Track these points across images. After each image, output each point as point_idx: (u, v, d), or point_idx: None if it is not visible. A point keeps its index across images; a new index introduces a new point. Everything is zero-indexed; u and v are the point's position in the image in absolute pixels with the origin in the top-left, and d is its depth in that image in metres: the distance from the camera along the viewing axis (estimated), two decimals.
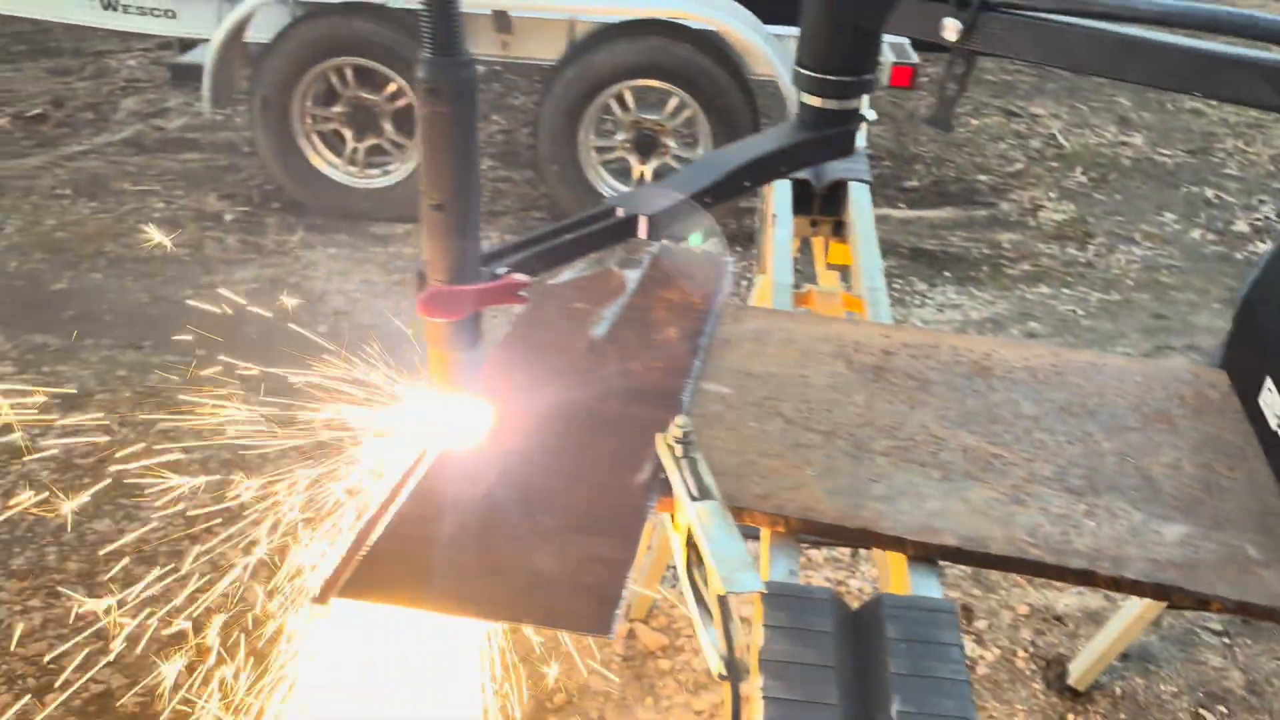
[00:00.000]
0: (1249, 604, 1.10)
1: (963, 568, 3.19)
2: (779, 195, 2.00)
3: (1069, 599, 3.10)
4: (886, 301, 1.70)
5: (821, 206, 2.05)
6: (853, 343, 1.52)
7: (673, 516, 1.19)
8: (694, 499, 1.13)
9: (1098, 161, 6.33)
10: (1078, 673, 2.77)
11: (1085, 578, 1.13)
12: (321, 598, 1.08)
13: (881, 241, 5.50)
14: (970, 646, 2.91)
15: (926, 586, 1.13)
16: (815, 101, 1.46)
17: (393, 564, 1.10)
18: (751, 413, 1.37)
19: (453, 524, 1.16)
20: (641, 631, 2.82)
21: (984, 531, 1.17)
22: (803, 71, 1.44)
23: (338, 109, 4.66)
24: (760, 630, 1.06)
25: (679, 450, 1.19)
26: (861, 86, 1.46)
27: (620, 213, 1.42)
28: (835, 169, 2.06)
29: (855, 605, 1.14)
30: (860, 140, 1.53)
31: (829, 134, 1.49)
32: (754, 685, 1.02)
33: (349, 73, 4.58)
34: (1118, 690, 2.81)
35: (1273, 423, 1.30)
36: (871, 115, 1.52)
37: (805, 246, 2.56)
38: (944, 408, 1.38)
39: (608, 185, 4.82)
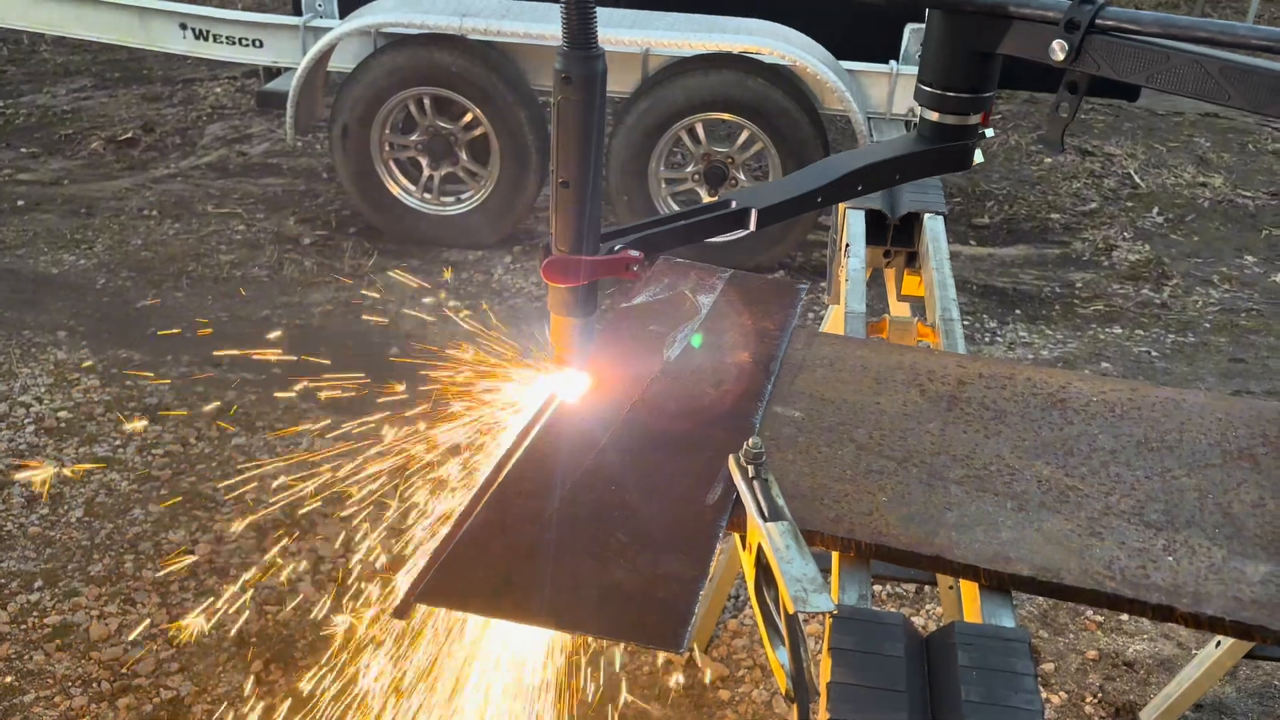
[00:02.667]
0: None
1: (1030, 609, 3.13)
2: (853, 225, 2.01)
3: (1140, 645, 3.02)
4: (961, 332, 1.70)
5: (895, 238, 2.05)
6: (927, 371, 1.52)
7: (743, 537, 1.20)
8: (765, 519, 1.14)
9: (1175, 202, 6.21)
10: None
11: (1163, 613, 1.11)
12: (401, 611, 1.10)
13: None
14: None
15: (999, 616, 1.12)
16: (933, 116, 1.50)
17: (471, 571, 1.12)
18: (824, 437, 1.37)
19: (530, 534, 1.18)
20: (702, 661, 2.81)
21: (1059, 562, 1.15)
22: (923, 87, 1.50)
23: (415, 137, 4.78)
24: (830, 653, 1.06)
25: (751, 471, 1.20)
26: (978, 104, 1.50)
27: (734, 205, 1.47)
28: (910, 200, 2.06)
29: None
30: (979, 157, 1.57)
31: (945, 148, 1.52)
32: (822, 707, 1.02)
33: (427, 102, 4.70)
34: None
35: None
36: (990, 133, 1.54)
37: (876, 278, 2.56)
38: (1019, 438, 1.37)
39: None
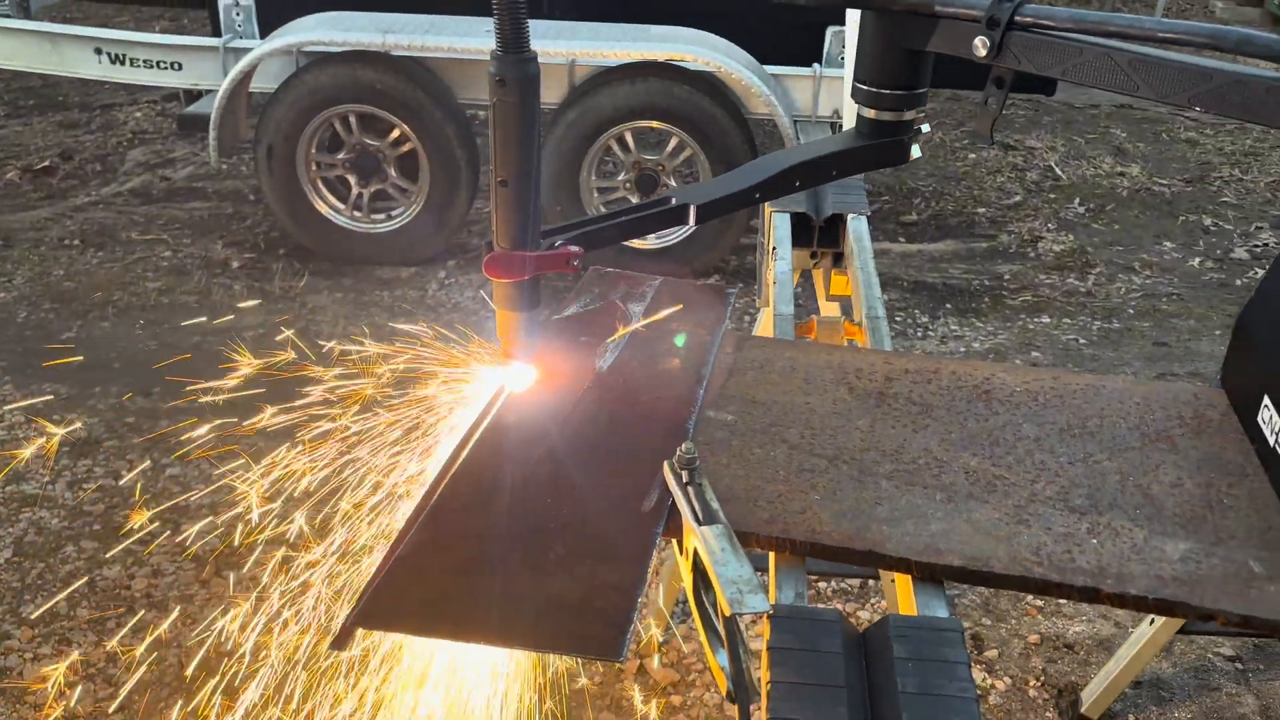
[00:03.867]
0: (1253, 618, 1.11)
1: (973, 597, 3.19)
2: (779, 228, 2.03)
3: (1079, 627, 3.09)
4: (887, 329, 1.73)
5: (820, 239, 2.08)
6: (855, 370, 1.54)
7: (680, 542, 1.20)
8: (700, 523, 1.14)
9: (1095, 192, 6.38)
10: (1090, 700, 2.75)
11: (1089, 595, 1.14)
12: (340, 642, 1.09)
13: (882, 275, 5.54)
14: (981, 676, 2.89)
15: (933, 607, 1.15)
16: (870, 113, 1.56)
17: (408, 593, 1.11)
18: (757, 439, 1.39)
19: (466, 552, 1.18)
20: (650, 667, 2.82)
21: (988, 551, 1.18)
22: (859, 85, 1.55)
23: (342, 155, 4.73)
24: (769, 652, 1.07)
25: (685, 476, 1.21)
26: (912, 100, 1.55)
27: (674, 201, 1.50)
28: (834, 202, 2.09)
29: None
30: (916, 151, 1.62)
31: (882, 143, 1.57)
32: (764, 707, 1.03)
33: (353, 120, 4.65)
34: (1131, 718, 2.80)
35: (1271, 440, 1.31)
36: (926, 128, 1.59)
37: (807, 279, 2.59)
38: (946, 431, 1.40)
39: None
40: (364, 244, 4.87)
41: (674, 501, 1.21)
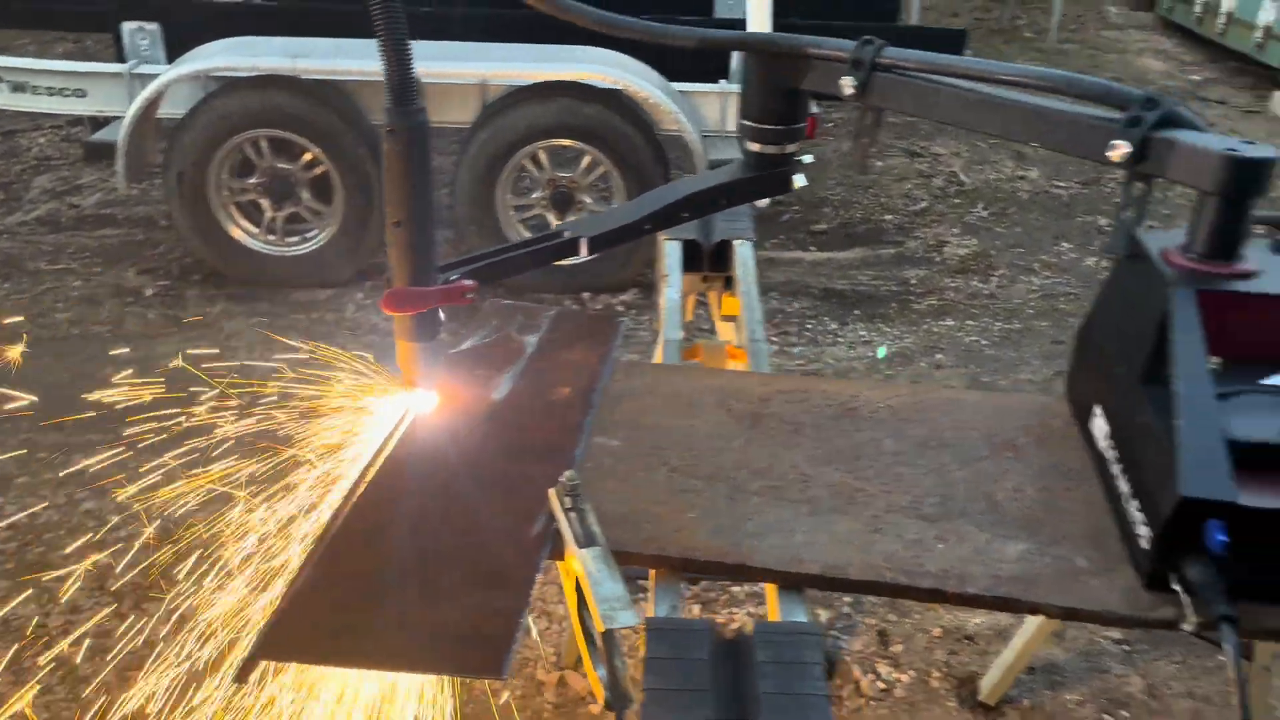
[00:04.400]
0: (1076, 609, 1.24)
1: (879, 596, 3.33)
2: (670, 255, 2.14)
3: (980, 618, 3.25)
4: (766, 352, 1.84)
5: (712, 263, 2.19)
6: (734, 392, 1.65)
7: (564, 564, 1.29)
8: (580, 546, 1.24)
9: (998, 196, 6.63)
10: (988, 688, 2.91)
11: (935, 595, 1.26)
12: (243, 674, 1.16)
13: (793, 284, 5.69)
14: (887, 670, 3.03)
15: (794, 613, 1.25)
16: (755, 147, 1.67)
17: (306, 625, 1.18)
18: (641, 463, 1.48)
19: (362, 584, 1.25)
20: (572, 679, 2.90)
21: (844, 559, 1.29)
22: (743, 122, 1.66)
23: (254, 180, 4.73)
24: (645, 662, 1.17)
25: (568, 502, 1.30)
26: (792, 134, 1.67)
27: (566, 235, 1.59)
28: (722, 229, 2.20)
29: None
30: (801, 180, 1.73)
31: (767, 174, 1.68)
32: (637, 712, 1.13)
33: (264, 144, 4.66)
34: (1026, 702, 2.96)
35: (1101, 445, 1.45)
36: (808, 159, 1.71)
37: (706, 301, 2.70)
38: (813, 448, 1.51)
39: None
40: (279, 267, 4.87)
41: (559, 527, 1.30)
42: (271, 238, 4.85)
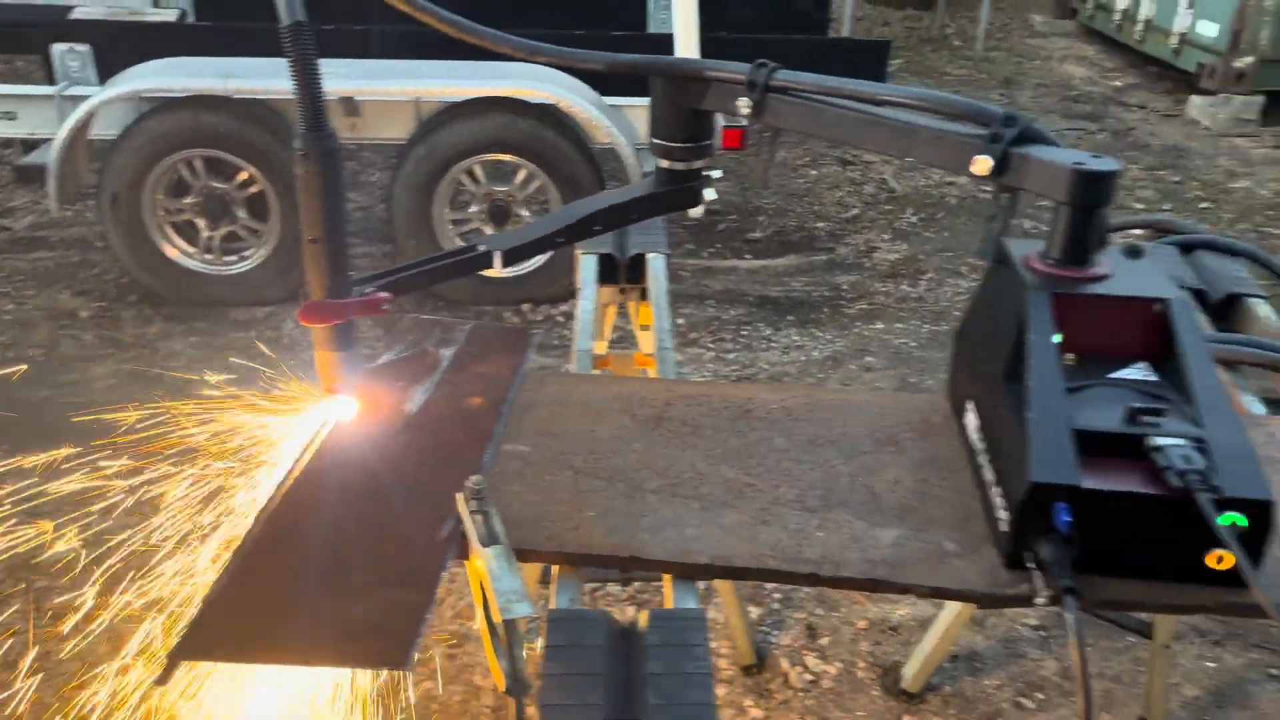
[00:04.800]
0: (942, 588, 1.35)
1: (808, 591, 3.44)
2: (585, 269, 2.23)
3: (904, 610, 3.37)
4: (672, 359, 1.94)
5: (628, 276, 2.29)
6: (639, 398, 1.74)
7: (470, 564, 1.38)
8: (484, 545, 1.32)
9: (926, 202, 6.82)
10: (910, 677, 3.03)
11: (813, 579, 1.36)
12: (164, 677, 1.23)
13: (730, 291, 5.80)
14: (815, 662, 3.15)
15: (685, 600, 1.35)
16: (665, 164, 1.77)
17: (223, 626, 1.26)
18: (547, 467, 1.57)
19: (278, 586, 1.33)
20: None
21: (732, 549, 1.39)
22: (655, 140, 1.76)
23: (189, 200, 4.75)
24: (544, 650, 1.26)
25: (474, 505, 1.38)
26: (700, 151, 1.77)
27: (481, 248, 1.68)
28: (636, 242, 2.30)
29: None
30: (711, 194, 1.83)
31: (677, 189, 1.79)
32: (535, 697, 1.21)
33: (198, 164, 4.68)
34: (947, 689, 3.09)
35: (972, 437, 1.56)
36: (717, 174, 1.81)
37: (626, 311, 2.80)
38: (710, 448, 1.61)
39: None
40: (217, 286, 4.90)
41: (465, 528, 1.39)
42: (208, 257, 4.87)
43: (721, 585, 2.98)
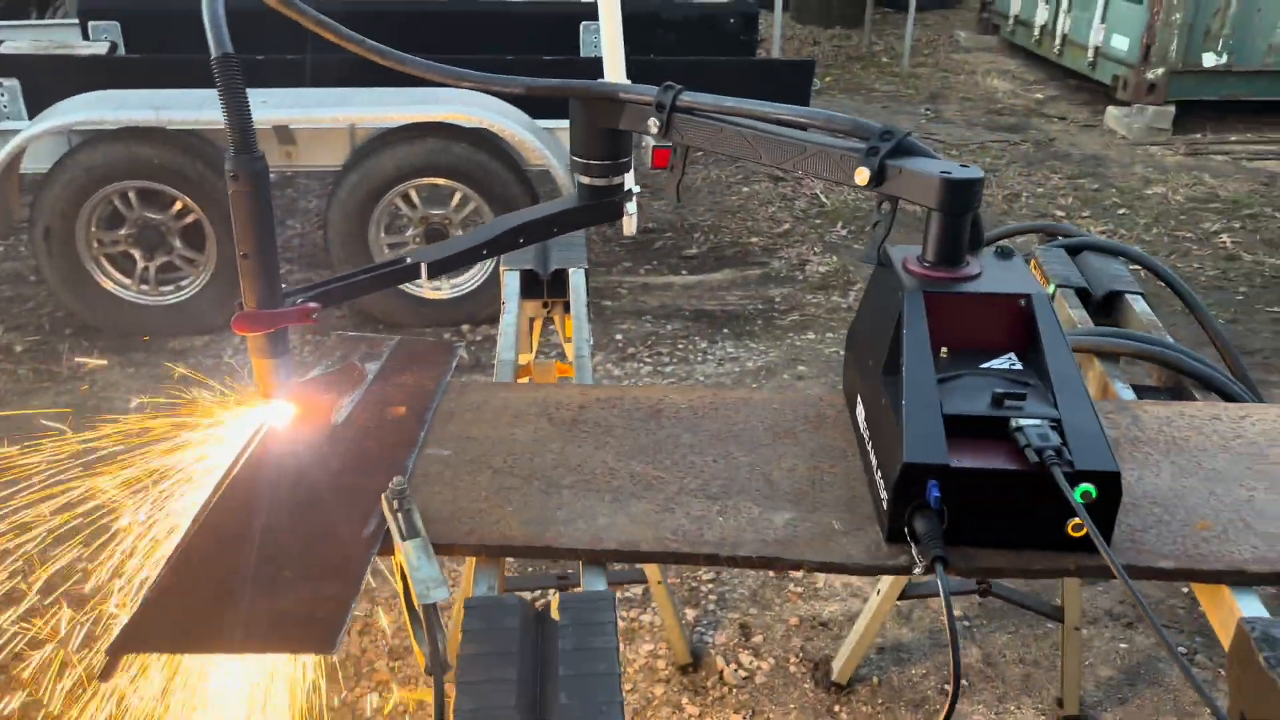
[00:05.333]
0: (829, 563, 1.47)
1: (742, 591, 3.56)
2: (508, 284, 2.34)
3: (834, 606, 3.51)
4: (590, 366, 2.05)
5: (551, 290, 2.40)
6: (556, 403, 1.85)
7: (395, 558, 1.48)
8: (404, 539, 1.42)
9: (856, 215, 7.02)
10: (839, 669, 3.16)
11: (712, 560, 1.48)
12: (106, 673, 1.31)
13: (665, 306, 5.93)
14: (749, 659, 3.26)
15: (595, 583, 1.46)
16: (585, 180, 1.89)
17: (160, 621, 1.34)
18: (467, 469, 1.67)
19: (212, 583, 1.41)
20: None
21: (638, 536, 1.50)
22: (575, 158, 1.88)
23: (124, 231, 4.77)
24: (462, 634, 1.36)
25: (396, 504, 1.48)
26: (619, 168, 1.90)
27: (408, 260, 1.78)
28: (557, 258, 2.42)
29: None
30: (631, 207, 1.94)
31: (599, 203, 1.91)
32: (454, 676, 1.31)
33: (132, 195, 4.72)
34: (875, 679, 3.22)
35: (861, 427, 1.70)
36: (636, 189, 1.92)
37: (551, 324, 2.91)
38: (621, 446, 1.72)
39: None
40: (155, 316, 4.92)
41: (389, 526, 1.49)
42: (145, 288, 4.89)
43: (656, 590, 3.09)
